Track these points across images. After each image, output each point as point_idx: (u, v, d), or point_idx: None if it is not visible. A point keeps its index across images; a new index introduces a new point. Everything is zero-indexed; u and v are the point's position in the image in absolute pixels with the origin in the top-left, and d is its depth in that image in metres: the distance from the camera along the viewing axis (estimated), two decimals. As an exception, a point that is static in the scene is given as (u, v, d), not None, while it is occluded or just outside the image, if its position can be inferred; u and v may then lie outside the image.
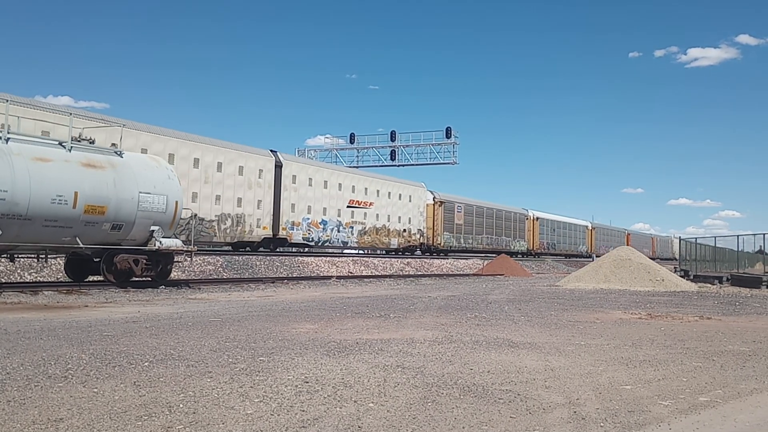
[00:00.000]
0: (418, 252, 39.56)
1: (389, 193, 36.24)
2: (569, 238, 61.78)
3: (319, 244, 30.96)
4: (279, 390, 4.62)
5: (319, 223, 30.65)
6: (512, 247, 49.63)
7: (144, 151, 20.22)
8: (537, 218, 55.59)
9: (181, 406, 4.11)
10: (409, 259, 34.20)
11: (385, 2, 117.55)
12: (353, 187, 33.40)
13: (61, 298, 12.26)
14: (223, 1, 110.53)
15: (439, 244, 40.89)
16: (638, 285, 21.42)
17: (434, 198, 40.79)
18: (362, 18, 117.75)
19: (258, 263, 23.94)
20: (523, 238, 52.79)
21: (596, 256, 56.01)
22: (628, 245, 67.27)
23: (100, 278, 15.38)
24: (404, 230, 37.45)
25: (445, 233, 41.14)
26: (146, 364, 5.49)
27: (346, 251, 34.50)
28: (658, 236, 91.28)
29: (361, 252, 35.83)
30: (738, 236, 31.54)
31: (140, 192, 14.81)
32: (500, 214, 48.91)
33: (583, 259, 56.87)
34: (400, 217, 37.15)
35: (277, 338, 7.28)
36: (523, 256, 49.73)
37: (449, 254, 42.08)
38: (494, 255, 40.95)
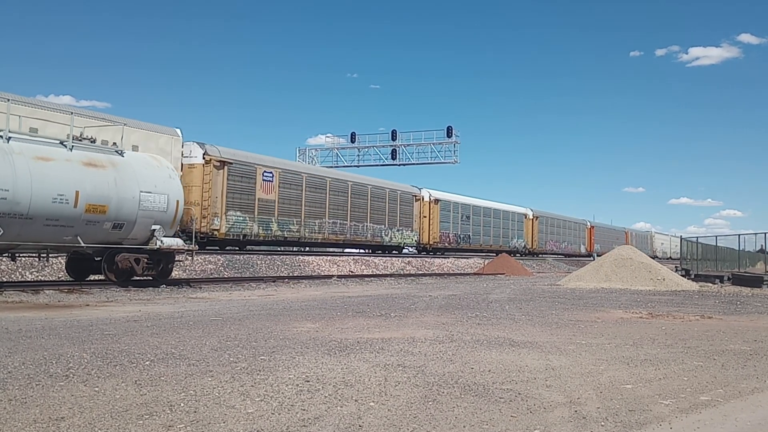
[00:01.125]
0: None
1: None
2: (498, 229, 46.55)
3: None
4: (280, 389, 4.62)
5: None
6: (387, 240, 34.63)
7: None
8: (437, 200, 39.15)
9: (182, 404, 4.11)
10: (409, 258, 34.21)
11: (387, 1, 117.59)
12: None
13: (63, 298, 12.28)
14: (224, 1, 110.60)
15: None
16: (639, 284, 21.42)
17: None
18: (363, 17, 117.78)
19: (259, 262, 23.95)
20: (410, 227, 36.91)
21: (541, 254, 52.74)
22: (590, 240, 64.27)
23: (101, 277, 15.39)
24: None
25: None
26: (147, 363, 5.50)
27: (346, 250, 34.75)
28: (633, 231, 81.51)
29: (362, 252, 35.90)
30: (739, 235, 31.56)
31: (141, 191, 14.82)
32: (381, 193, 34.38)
33: (524, 258, 44.83)
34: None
35: (278, 337, 7.29)
36: (398, 252, 36.23)
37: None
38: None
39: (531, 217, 52.39)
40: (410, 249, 38.57)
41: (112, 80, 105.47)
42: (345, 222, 31.45)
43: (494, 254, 42.74)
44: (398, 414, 4.03)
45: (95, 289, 13.87)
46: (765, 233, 28.85)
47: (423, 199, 38.04)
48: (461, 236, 41.94)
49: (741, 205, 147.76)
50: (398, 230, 35.79)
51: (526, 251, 51.16)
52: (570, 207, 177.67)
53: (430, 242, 38.54)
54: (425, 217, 38.14)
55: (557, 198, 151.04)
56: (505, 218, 48.34)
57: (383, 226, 34.39)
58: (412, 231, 37.06)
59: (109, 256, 14.79)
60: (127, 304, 11.35)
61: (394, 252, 36.07)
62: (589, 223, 66.40)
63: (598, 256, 57.42)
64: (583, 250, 62.76)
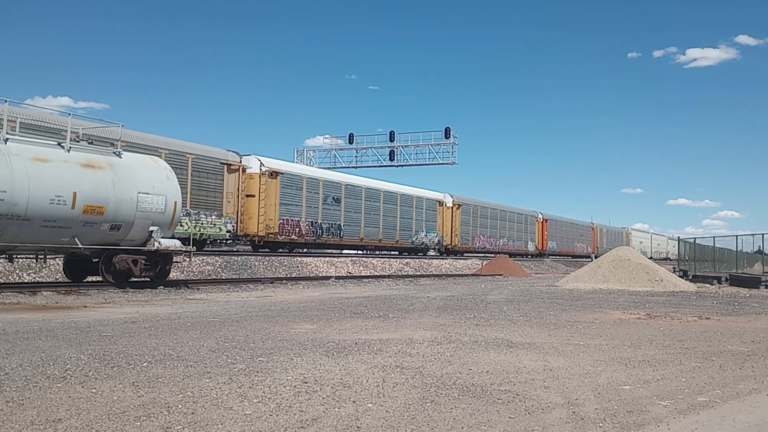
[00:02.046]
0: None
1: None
2: (393, 218, 35.66)
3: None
4: (278, 390, 4.62)
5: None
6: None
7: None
8: (273, 172, 27.58)
9: (179, 406, 4.11)
10: (408, 260, 34.21)
11: (385, 2, 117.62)
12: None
13: (60, 299, 12.26)
14: (222, 2, 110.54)
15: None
16: (637, 285, 21.44)
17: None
18: (362, 18, 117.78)
19: (257, 264, 23.93)
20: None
21: (465, 252, 42.68)
22: (542, 236, 54.46)
23: (99, 279, 15.37)
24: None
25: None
26: (145, 364, 5.49)
27: (345, 251, 34.97)
28: (603, 227, 71.14)
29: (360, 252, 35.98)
30: (737, 236, 31.60)
31: (139, 192, 14.80)
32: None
33: (442, 259, 37.44)
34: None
35: (276, 339, 7.28)
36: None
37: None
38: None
39: (450, 204, 41.25)
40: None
41: (110, 82, 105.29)
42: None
43: (387, 251, 36.13)
44: (396, 415, 4.03)
45: (93, 291, 13.84)
46: (763, 234, 28.89)
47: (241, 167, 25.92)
48: (323, 226, 30.37)
49: (739, 206, 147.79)
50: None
51: (441, 248, 40.42)
52: (569, 208, 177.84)
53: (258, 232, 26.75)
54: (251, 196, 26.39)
55: (556, 199, 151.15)
56: (406, 204, 36.46)
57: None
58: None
59: (106, 257, 14.76)
60: (124, 305, 11.33)
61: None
62: (540, 216, 55.73)
63: (554, 255, 54.43)
64: (531, 248, 53.18)
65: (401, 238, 36.54)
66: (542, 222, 55.41)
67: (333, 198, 31.14)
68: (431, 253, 39.99)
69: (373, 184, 35.38)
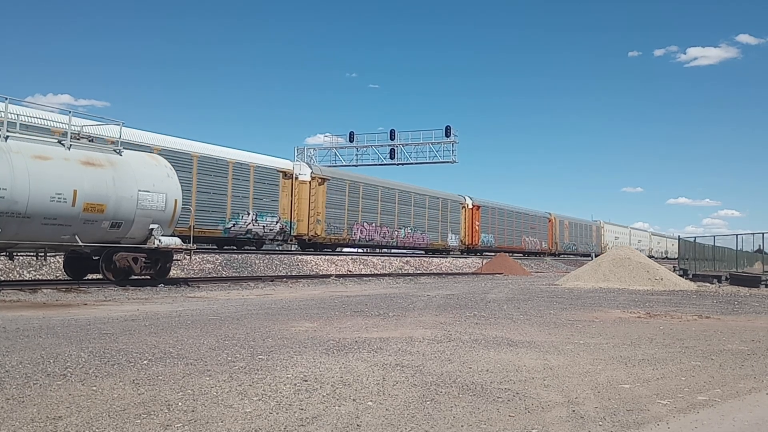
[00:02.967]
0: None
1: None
2: (208, 195, 24.70)
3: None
4: (278, 388, 4.62)
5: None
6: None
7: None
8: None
9: (179, 404, 4.11)
10: (408, 258, 34.23)
11: (386, 1, 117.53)
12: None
13: (60, 297, 12.26)
14: (222, 1, 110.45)
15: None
16: (637, 284, 21.44)
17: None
18: (363, 16, 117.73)
19: (257, 262, 23.94)
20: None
21: (337, 244, 31.78)
22: (472, 227, 43.74)
23: (99, 276, 15.37)
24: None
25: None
26: (145, 362, 5.50)
27: (345, 250, 35.26)
28: (566, 219, 59.55)
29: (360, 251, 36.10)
30: (737, 235, 31.54)
31: (139, 190, 14.80)
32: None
33: (442, 258, 37.12)
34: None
35: (276, 337, 7.28)
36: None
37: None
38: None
39: (307, 178, 29.68)
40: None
41: (111, 79, 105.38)
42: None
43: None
44: (396, 413, 4.03)
45: (93, 288, 13.85)
46: (763, 233, 28.87)
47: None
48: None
49: (739, 205, 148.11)
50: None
51: (285, 239, 29.09)
52: (569, 207, 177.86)
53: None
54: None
55: (556, 198, 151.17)
56: (228, 174, 25.21)
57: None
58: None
59: (107, 255, 14.77)
60: (125, 303, 11.33)
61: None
62: (469, 201, 43.83)
63: (489, 252, 44.98)
64: (453, 242, 42.68)
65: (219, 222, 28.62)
66: (471, 209, 44.12)
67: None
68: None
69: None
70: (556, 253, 57.27)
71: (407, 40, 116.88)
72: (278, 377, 5.01)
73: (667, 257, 78.97)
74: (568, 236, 60.37)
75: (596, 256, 55.12)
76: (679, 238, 36.94)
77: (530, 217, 53.59)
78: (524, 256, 49.70)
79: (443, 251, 42.25)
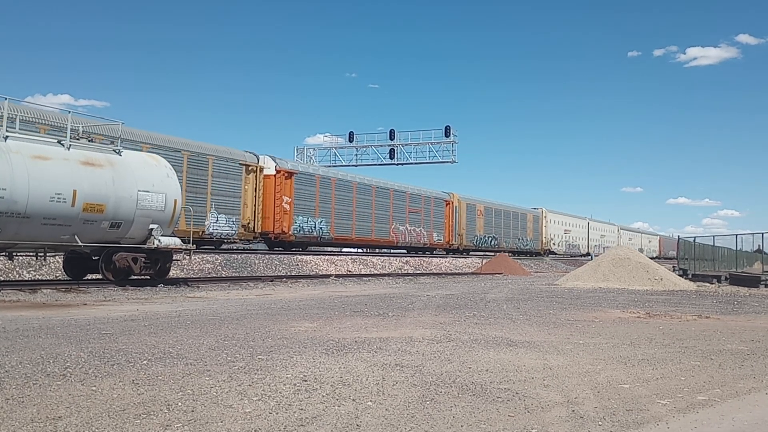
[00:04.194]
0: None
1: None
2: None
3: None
4: (277, 388, 4.62)
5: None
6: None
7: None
8: None
9: (179, 404, 4.11)
10: (408, 258, 34.23)
11: (386, 2, 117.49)
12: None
13: (60, 297, 12.26)
14: (222, 1, 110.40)
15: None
16: (637, 284, 21.44)
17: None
18: (363, 17, 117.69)
19: (257, 262, 23.93)
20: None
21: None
22: (278, 204, 26.56)
23: (99, 277, 15.37)
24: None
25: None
26: (145, 362, 5.49)
27: (345, 250, 35.29)
28: (481, 203, 46.51)
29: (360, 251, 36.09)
30: (737, 235, 31.54)
31: (139, 190, 14.80)
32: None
33: (442, 257, 36.32)
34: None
35: (276, 337, 7.28)
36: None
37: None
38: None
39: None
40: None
41: (110, 81, 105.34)
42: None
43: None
44: (396, 413, 4.03)
45: (93, 289, 13.85)
46: (762, 233, 28.88)
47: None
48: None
49: (739, 205, 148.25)
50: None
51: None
52: (569, 207, 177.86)
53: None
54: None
55: (556, 198, 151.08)
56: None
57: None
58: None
59: (106, 255, 14.76)
60: (124, 303, 11.33)
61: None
62: (272, 164, 27.40)
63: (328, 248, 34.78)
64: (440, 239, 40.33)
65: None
66: (277, 178, 27.56)
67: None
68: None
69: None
70: (460, 248, 43.51)
71: (407, 40, 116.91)
72: (278, 377, 5.00)
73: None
74: (484, 226, 46.63)
75: (548, 254, 51.42)
76: (678, 238, 36.92)
77: (407, 196, 38.28)
78: (389, 252, 38.72)
79: (428, 250, 40.74)
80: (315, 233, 30.13)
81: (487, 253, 45.46)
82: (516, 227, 51.77)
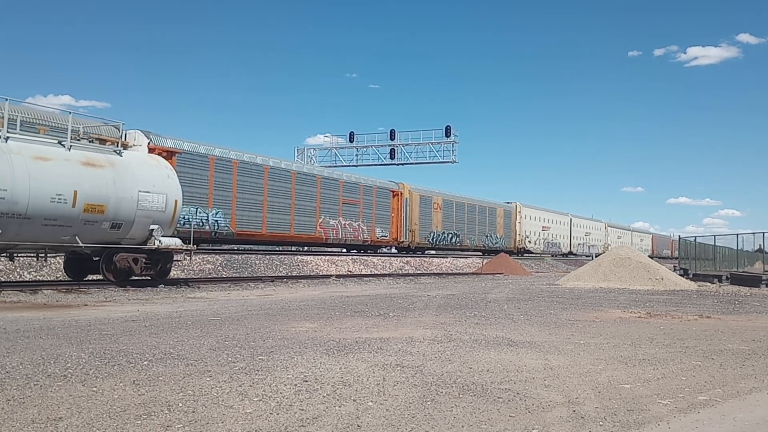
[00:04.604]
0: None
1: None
2: None
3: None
4: (278, 389, 4.62)
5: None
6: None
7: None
8: None
9: (180, 405, 4.11)
10: (408, 258, 34.22)
11: (386, 2, 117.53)
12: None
13: (61, 297, 12.26)
14: (224, 2, 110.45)
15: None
16: (637, 284, 21.43)
17: None
18: (363, 17, 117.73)
19: (257, 262, 23.94)
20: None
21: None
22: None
23: (100, 277, 15.37)
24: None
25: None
26: (145, 363, 5.49)
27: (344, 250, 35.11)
28: (441, 195, 41.02)
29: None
30: (737, 235, 31.56)
31: (140, 191, 14.80)
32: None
33: (442, 258, 34.61)
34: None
35: (277, 337, 7.28)
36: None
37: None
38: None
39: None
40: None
41: (111, 81, 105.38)
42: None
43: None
44: (396, 414, 4.03)
45: (93, 289, 13.85)
46: (763, 233, 28.94)
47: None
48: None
49: (739, 205, 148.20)
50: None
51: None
52: (569, 207, 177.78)
53: None
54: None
55: (556, 197, 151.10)
56: None
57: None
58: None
59: (107, 255, 14.77)
60: (125, 304, 11.33)
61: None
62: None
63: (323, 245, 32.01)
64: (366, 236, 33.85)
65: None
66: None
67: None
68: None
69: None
70: (412, 246, 38.14)
71: (407, 40, 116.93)
72: (278, 378, 5.00)
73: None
74: (442, 221, 40.83)
75: (523, 253, 47.55)
76: (679, 238, 36.90)
77: (340, 185, 32.80)
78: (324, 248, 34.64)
79: (371, 248, 35.12)
80: (207, 227, 24.54)
81: (448, 252, 41.24)
82: (483, 223, 45.71)
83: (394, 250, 38.32)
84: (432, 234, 39.96)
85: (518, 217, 50.57)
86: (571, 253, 59.28)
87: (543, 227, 54.44)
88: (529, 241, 51.85)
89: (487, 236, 46.31)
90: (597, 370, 5.70)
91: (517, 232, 50.25)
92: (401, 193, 37.13)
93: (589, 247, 63.34)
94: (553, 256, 54.61)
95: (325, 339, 7.23)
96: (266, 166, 27.88)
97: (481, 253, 43.84)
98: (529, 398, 4.54)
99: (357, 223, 33.58)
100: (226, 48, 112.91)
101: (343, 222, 32.46)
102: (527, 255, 49.32)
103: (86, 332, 7.30)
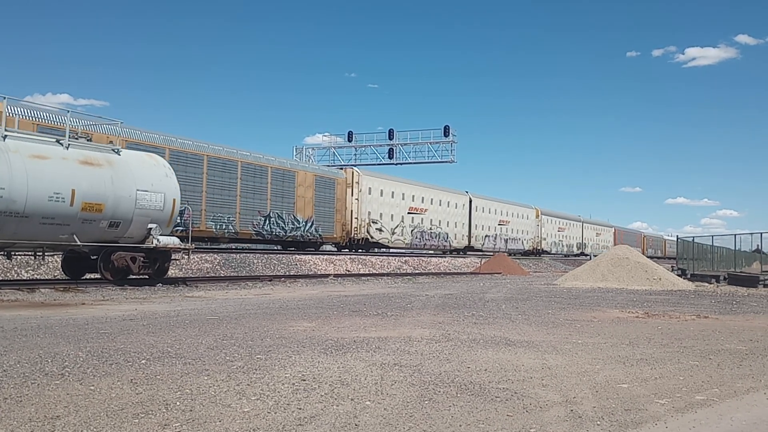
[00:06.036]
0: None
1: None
2: None
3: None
4: (276, 388, 4.62)
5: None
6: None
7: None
8: None
9: (177, 403, 4.10)
10: (406, 257, 34.22)
11: (385, 1, 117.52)
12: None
13: (58, 296, 12.24)
14: (221, 1, 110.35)
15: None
16: (635, 284, 21.46)
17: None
18: (362, 16, 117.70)
19: (255, 261, 23.92)
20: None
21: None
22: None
23: (98, 276, 15.35)
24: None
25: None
26: (143, 361, 5.49)
27: (344, 250, 34.82)
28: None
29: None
30: (735, 235, 31.60)
31: (138, 189, 14.78)
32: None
33: (441, 257, 32.68)
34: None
35: (274, 336, 7.28)
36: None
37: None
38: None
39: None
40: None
41: (109, 80, 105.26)
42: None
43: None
44: (394, 413, 4.03)
45: (91, 288, 13.83)
46: (761, 233, 28.95)
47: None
48: None
49: (737, 205, 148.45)
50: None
51: None
52: (567, 206, 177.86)
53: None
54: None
55: (555, 197, 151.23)
56: None
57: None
58: None
59: (105, 254, 14.75)
60: (123, 302, 11.32)
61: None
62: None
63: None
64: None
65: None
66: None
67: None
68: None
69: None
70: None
71: (406, 40, 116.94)
72: (276, 377, 5.00)
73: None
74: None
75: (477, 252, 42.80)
76: (677, 238, 36.92)
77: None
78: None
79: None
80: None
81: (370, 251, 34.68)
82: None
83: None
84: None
85: (471, 210, 45.08)
86: (543, 251, 52.94)
87: (500, 221, 49.01)
88: (487, 237, 46.90)
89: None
90: (595, 370, 5.70)
91: (470, 227, 44.79)
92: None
93: (566, 246, 57.00)
94: (514, 255, 46.30)
95: (323, 338, 7.23)
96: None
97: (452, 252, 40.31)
98: (527, 398, 4.54)
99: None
100: (225, 47, 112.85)
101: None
102: (440, 256, 39.71)
103: (84, 331, 7.29)
